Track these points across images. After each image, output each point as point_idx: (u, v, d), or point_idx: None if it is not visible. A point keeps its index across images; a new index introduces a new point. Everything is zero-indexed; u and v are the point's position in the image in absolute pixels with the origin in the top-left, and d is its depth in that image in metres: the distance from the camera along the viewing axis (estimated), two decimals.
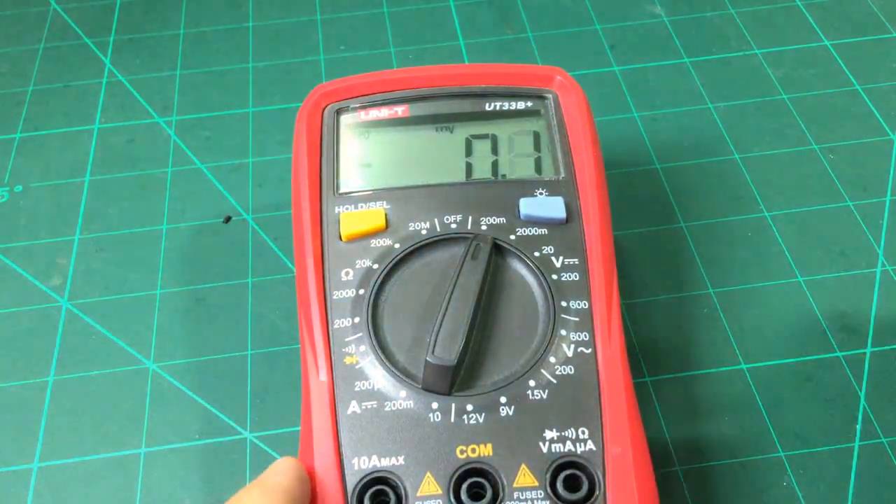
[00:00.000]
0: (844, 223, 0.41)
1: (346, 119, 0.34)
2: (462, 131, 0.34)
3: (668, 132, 0.45)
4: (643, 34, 0.51)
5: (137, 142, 0.46)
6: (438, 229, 0.31)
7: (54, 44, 0.52)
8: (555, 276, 0.30)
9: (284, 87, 0.48)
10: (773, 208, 0.41)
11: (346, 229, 0.31)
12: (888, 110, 0.46)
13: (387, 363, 0.28)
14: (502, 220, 0.31)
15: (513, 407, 0.27)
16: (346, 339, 0.29)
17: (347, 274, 0.30)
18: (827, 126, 0.45)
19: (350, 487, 0.26)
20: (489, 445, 0.27)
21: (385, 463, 0.26)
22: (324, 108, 0.35)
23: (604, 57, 0.49)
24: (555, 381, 0.28)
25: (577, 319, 0.29)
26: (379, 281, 0.30)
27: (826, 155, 0.44)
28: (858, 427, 0.34)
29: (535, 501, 0.26)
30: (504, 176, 0.33)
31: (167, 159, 0.45)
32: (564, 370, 0.28)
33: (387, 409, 0.27)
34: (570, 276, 0.30)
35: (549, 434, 0.27)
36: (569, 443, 0.27)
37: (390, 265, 0.30)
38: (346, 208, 0.32)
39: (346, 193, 0.32)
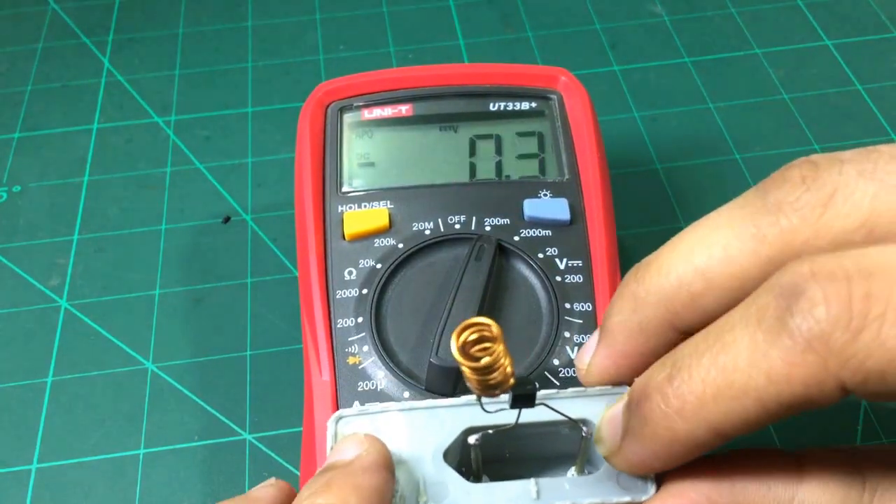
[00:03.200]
0: None
1: (349, 118, 0.34)
2: (466, 131, 0.34)
3: (669, 132, 0.45)
4: (643, 34, 0.51)
5: (136, 142, 0.46)
6: (442, 229, 0.31)
7: (53, 43, 0.52)
8: (559, 278, 0.30)
9: (284, 87, 0.48)
10: None
11: (350, 228, 0.31)
12: (890, 110, 0.46)
13: (390, 364, 0.28)
14: (506, 220, 0.31)
15: None
16: (349, 339, 0.29)
17: (350, 273, 0.30)
18: (828, 126, 0.45)
19: None
20: None
21: None
22: (327, 106, 0.35)
23: (604, 57, 0.49)
24: (557, 384, 0.28)
25: (580, 322, 0.29)
26: (382, 281, 0.30)
27: None
28: (859, 428, 0.34)
29: None
30: (508, 177, 0.33)
31: (166, 159, 0.45)
32: (568, 373, 0.28)
33: None
34: (573, 279, 0.30)
35: None
36: None
37: (394, 265, 0.30)
38: (350, 207, 0.31)
39: (350, 192, 0.32)
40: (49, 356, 0.37)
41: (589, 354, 0.24)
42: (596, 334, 0.25)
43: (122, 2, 0.54)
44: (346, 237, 0.31)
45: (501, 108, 0.34)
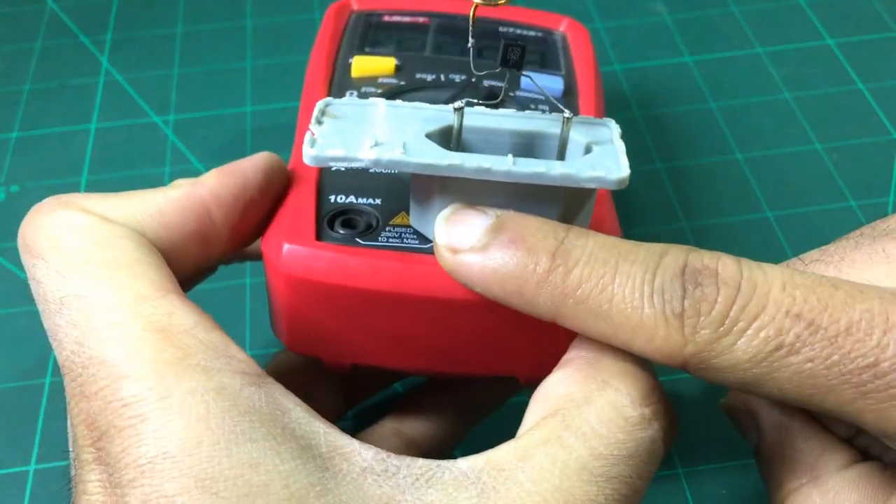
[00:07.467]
0: (847, 223, 0.40)
1: (370, 19, 0.37)
2: (477, 40, 0.35)
3: (670, 131, 0.45)
4: (645, 33, 0.50)
5: (135, 141, 0.46)
6: (443, 80, 0.32)
7: (51, 42, 0.51)
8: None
9: (282, 87, 0.48)
10: (775, 208, 0.41)
11: (357, 71, 0.32)
12: (891, 109, 0.45)
13: None
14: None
15: None
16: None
17: (352, 94, 0.31)
18: (830, 125, 0.45)
19: (324, 214, 0.27)
20: None
21: (362, 201, 0.27)
22: (351, 14, 0.36)
23: (605, 56, 0.49)
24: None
25: None
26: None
27: (829, 154, 0.44)
28: None
29: None
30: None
31: (165, 159, 0.45)
32: None
33: None
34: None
35: None
36: None
37: (393, 94, 0.31)
38: (359, 58, 0.33)
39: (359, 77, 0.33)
40: (48, 357, 0.37)
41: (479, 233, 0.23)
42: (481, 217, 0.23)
43: (120, 0, 0.54)
44: (352, 75, 0.32)
45: (510, 31, 0.36)
